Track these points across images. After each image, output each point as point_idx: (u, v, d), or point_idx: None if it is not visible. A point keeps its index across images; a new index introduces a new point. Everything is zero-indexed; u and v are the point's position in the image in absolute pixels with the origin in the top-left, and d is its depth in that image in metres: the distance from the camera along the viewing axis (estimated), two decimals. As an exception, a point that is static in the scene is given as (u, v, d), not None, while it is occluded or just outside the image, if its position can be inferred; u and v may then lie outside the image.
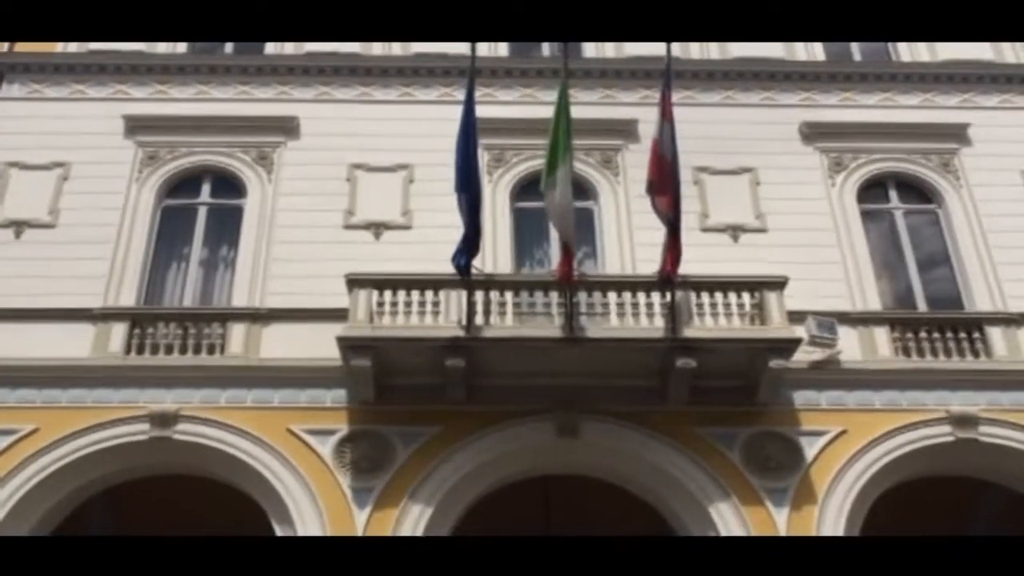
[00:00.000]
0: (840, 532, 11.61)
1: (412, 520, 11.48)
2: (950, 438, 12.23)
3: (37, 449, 11.67)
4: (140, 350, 12.44)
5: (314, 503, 11.51)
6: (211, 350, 12.47)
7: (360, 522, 11.44)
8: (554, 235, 12.92)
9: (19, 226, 13.35)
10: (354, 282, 11.99)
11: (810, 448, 12.02)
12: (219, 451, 11.75)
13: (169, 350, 12.45)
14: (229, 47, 15.33)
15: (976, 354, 12.83)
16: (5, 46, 14.91)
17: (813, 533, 11.56)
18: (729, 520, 11.65)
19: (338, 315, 11.96)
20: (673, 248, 11.72)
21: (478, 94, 12.15)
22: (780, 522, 11.65)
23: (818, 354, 12.50)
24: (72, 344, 12.33)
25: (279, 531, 11.60)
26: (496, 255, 13.27)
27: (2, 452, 11.65)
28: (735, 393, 12.16)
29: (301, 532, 11.40)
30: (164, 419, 11.79)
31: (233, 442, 11.74)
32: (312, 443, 11.77)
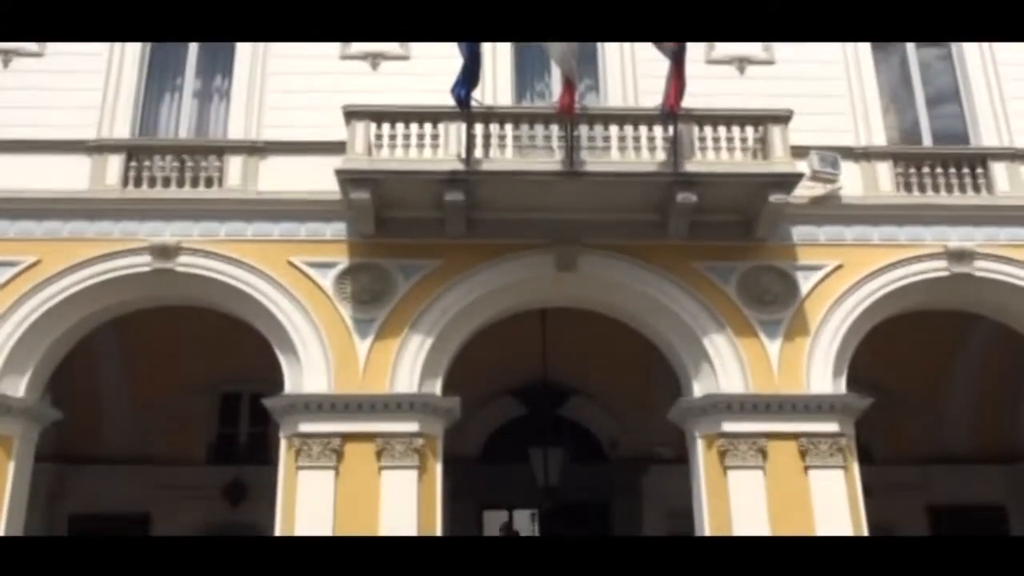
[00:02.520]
0: (830, 363, 11.90)
1: (413, 350, 11.70)
2: (945, 273, 12.33)
3: (41, 280, 11.73)
4: (137, 183, 12.36)
5: (317, 333, 11.69)
6: (209, 183, 12.40)
7: (362, 352, 11.67)
8: (555, 67, 12.66)
9: (6, 55, 13.06)
10: (351, 114, 11.82)
11: (806, 282, 12.14)
12: (221, 282, 11.84)
13: (167, 183, 12.38)
14: None
15: (978, 190, 12.80)
16: None
17: (803, 363, 11.84)
18: (723, 350, 11.90)
19: (336, 148, 11.85)
20: (677, 80, 11.49)
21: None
22: (772, 353, 11.90)
23: (819, 189, 12.46)
24: (69, 176, 12.22)
25: (283, 360, 11.83)
26: (496, 87, 13.03)
27: (6, 283, 11.72)
28: (734, 228, 12.20)
29: (305, 361, 11.63)
30: (165, 251, 11.83)
31: (234, 274, 11.81)
32: (313, 275, 11.85)
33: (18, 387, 11.61)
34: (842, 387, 11.99)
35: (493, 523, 17.41)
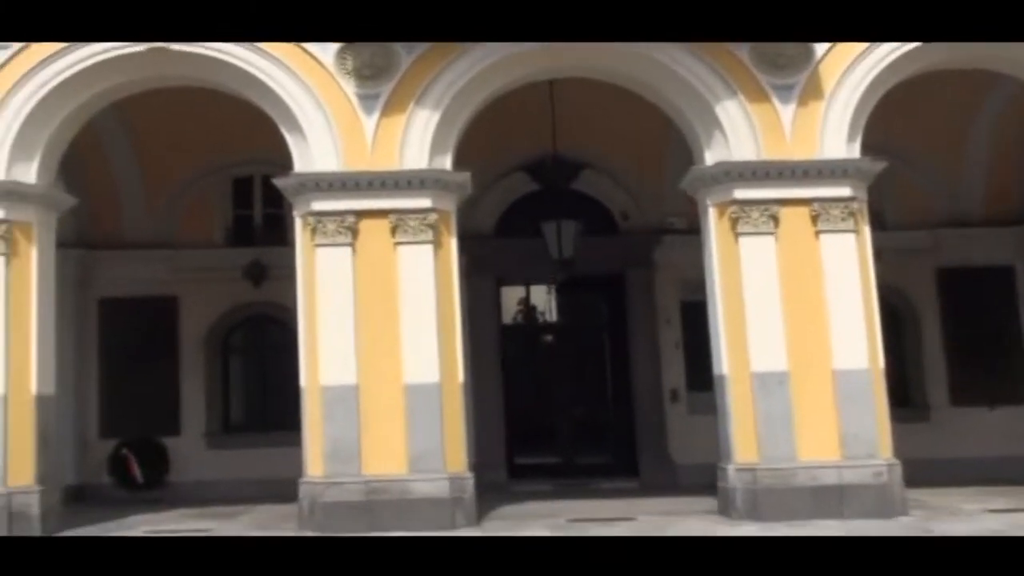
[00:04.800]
0: (844, 127, 11.75)
1: (420, 126, 11.59)
2: (965, 29, 11.94)
3: (35, 63, 11.50)
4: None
5: (321, 110, 11.55)
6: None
7: (369, 128, 11.58)
8: None
9: None
10: None
11: (821, 44, 11.80)
12: (218, 60, 11.54)
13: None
14: None
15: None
16: None
17: (817, 128, 11.71)
18: (735, 117, 11.73)
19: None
20: None
21: None
22: (786, 118, 11.74)
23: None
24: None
25: (290, 139, 11.76)
26: None
27: (3, 65, 11.47)
28: (747, -12, 11.78)
29: (312, 139, 11.57)
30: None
31: (231, 51, 11.48)
32: (313, 51, 11.57)
33: (29, 173, 11.67)
34: (856, 151, 11.86)
35: (510, 298, 17.77)
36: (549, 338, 18.00)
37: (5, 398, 11.31)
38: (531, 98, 13.14)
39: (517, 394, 16.56)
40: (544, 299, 18.31)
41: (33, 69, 11.51)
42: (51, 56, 11.50)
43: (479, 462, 12.91)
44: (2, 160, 11.47)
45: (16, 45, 11.44)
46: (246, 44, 11.44)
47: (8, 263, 11.48)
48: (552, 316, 17.97)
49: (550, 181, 15.50)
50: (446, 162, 11.80)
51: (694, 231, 12.75)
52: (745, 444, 11.50)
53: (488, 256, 15.71)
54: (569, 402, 16.92)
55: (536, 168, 15.73)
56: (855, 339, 11.55)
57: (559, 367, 17.08)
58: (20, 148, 11.57)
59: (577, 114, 14.30)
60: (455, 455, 11.44)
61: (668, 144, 14.68)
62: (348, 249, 11.49)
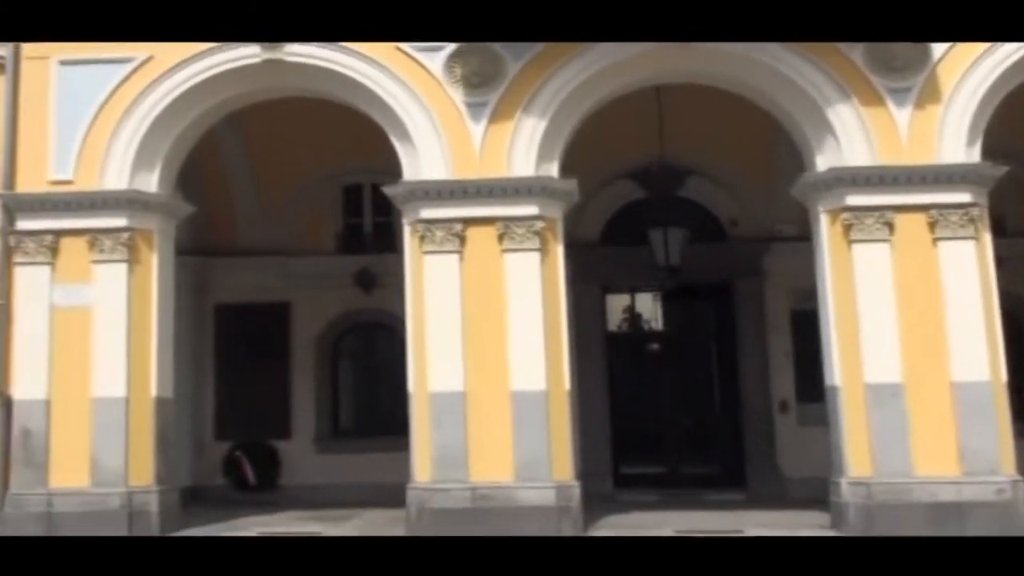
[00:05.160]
0: (963, 130, 11.39)
1: (527, 133, 11.64)
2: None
3: (156, 76, 11.94)
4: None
5: (430, 119, 11.69)
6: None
7: (477, 136, 11.68)
8: None
9: None
10: None
11: (939, 45, 11.42)
12: (330, 71, 11.82)
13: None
14: None
15: None
16: None
17: (935, 132, 11.37)
18: (848, 121, 11.48)
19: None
20: None
21: None
22: (901, 122, 11.42)
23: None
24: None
25: (399, 148, 11.93)
26: None
27: (123, 80, 11.95)
28: (861, -11, 11.49)
29: (421, 148, 11.72)
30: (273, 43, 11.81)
31: (343, 61, 11.74)
32: (422, 60, 11.73)
33: (150, 182, 12.11)
34: (976, 156, 11.48)
35: (615, 306, 17.67)
36: (655, 346, 17.82)
37: (126, 400, 11.72)
38: (638, 104, 13.04)
39: (623, 403, 16.45)
40: (650, 307, 18.14)
41: (153, 83, 11.95)
42: (170, 70, 11.92)
43: (585, 471, 12.88)
44: (125, 170, 11.92)
45: (139, 58, 11.92)
46: (358, 55, 11.69)
47: (130, 270, 11.91)
48: (658, 324, 17.78)
49: (656, 188, 15.38)
50: (553, 169, 11.81)
51: (804, 238, 12.50)
52: (858, 457, 11.21)
53: (593, 263, 15.67)
54: (675, 411, 16.72)
55: (642, 175, 15.62)
56: (975, 350, 11.16)
57: (665, 376, 16.91)
58: (142, 158, 12.00)
59: (684, 120, 14.15)
60: (562, 463, 11.42)
61: (777, 150, 14.45)
62: (456, 256, 11.59)
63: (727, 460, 16.30)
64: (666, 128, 13.90)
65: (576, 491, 11.44)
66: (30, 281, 11.88)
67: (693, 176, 15.86)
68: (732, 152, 15.40)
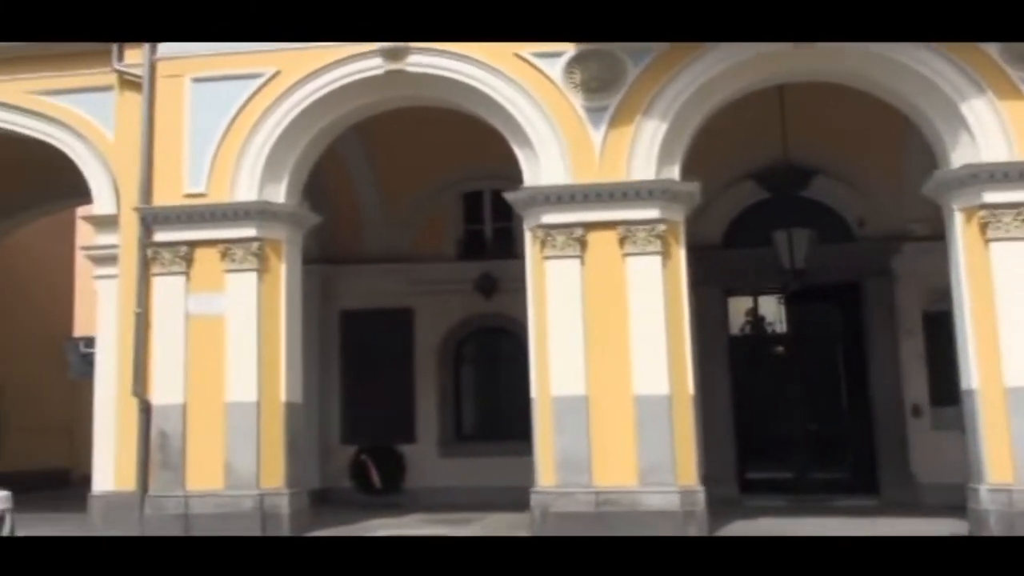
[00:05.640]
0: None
1: (648, 137, 11.57)
2: None
3: (283, 90, 12.27)
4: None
5: (549, 124, 11.72)
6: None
7: (596, 141, 11.65)
8: None
9: None
10: None
11: (1081, 33, 10.91)
12: (451, 80, 11.98)
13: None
14: None
15: None
16: None
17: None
18: (984, 116, 11.06)
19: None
20: None
21: None
22: (1040, 122, 10.96)
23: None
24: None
25: (520, 154, 11.99)
26: None
27: (253, 95, 12.30)
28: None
29: (541, 153, 11.76)
30: (395, 53, 11.98)
31: (464, 70, 11.89)
32: (541, 66, 11.78)
33: (279, 194, 12.46)
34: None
35: (737, 309, 17.40)
36: (780, 349, 17.48)
37: (258, 405, 12.06)
38: (760, 103, 12.82)
39: (746, 407, 16.17)
40: (773, 310, 17.79)
41: (280, 97, 12.29)
42: (296, 83, 12.25)
43: (709, 476, 12.71)
44: (254, 181, 12.30)
45: (267, 73, 12.29)
46: (478, 63, 11.85)
47: (260, 278, 12.26)
48: (782, 327, 17.43)
49: (781, 189, 15.07)
50: (674, 172, 11.70)
51: (937, 237, 12.10)
52: (998, 463, 10.76)
53: (716, 266, 15.45)
54: (802, 416, 16.37)
55: (766, 176, 15.32)
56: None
57: (790, 379, 16.55)
58: (270, 170, 12.36)
59: (808, 118, 13.85)
60: (686, 468, 11.30)
61: (907, 147, 14.02)
62: (577, 261, 11.59)
63: (857, 465, 15.87)
64: (790, 127, 13.65)
65: (701, 496, 11.30)
66: (167, 290, 12.34)
67: (819, 176, 15.48)
68: (859, 150, 15.02)
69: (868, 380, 15.75)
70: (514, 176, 12.12)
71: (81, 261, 20.00)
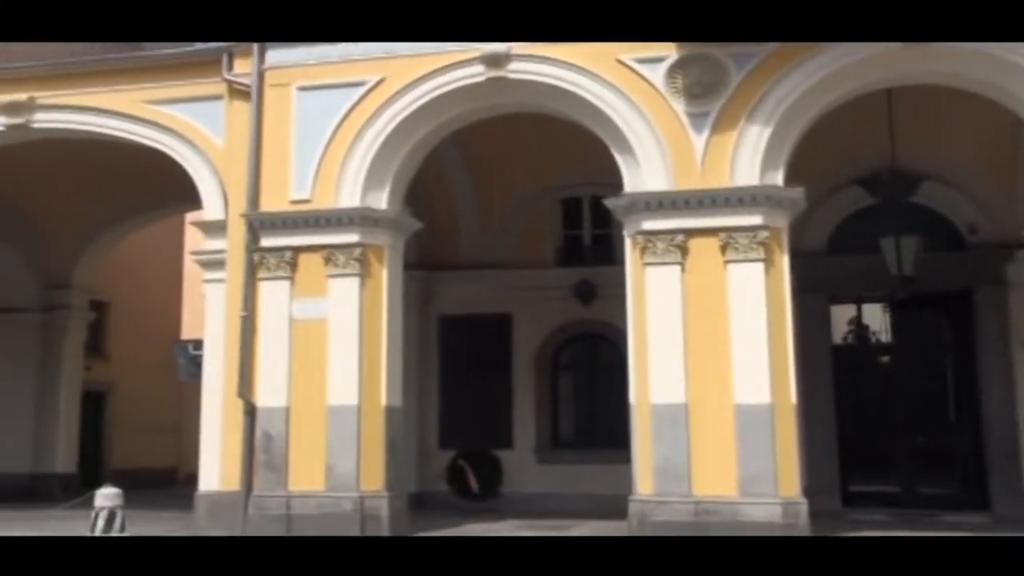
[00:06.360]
0: None
1: (751, 142, 11.42)
2: None
3: (387, 97, 12.44)
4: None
5: (651, 130, 11.65)
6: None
7: (699, 147, 11.53)
8: None
9: None
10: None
11: None
12: (553, 86, 12.00)
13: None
14: None
15: None
16: None
17: None
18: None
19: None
20: None
21: None
22: None
23: None
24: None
25: (620, 160, 11.93)
26: None
27: (357, 102, 12.50)
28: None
29: (642, 159, 11.68)
30: (496, 60, 12.06)
31: (565, 76, 11.90)
32: (643, 72, 11.71)
33: (381, 200, 12.63)
34: None
35: (840, 317, 17.02)
36: (885, 359, 17.03)
37: (359, 408, 12.23)
38: (867, 107, 12.54)
39: (850, 418, 15.80)
40: (878, 318, 17.35)
41: (383, 104, 12.48)
42: (399, 91, 12.42)
43: (811, 488, 12.46)
44: (357, 188, 12.49)
45: (371, 81, 12.49)
46: (579, 69, 11.86)
47: (362, 283, 12.45)
48: (887, 336, 16.99)
49: (888, 194, 14.73)
50: (778, 178, 11.51)
51: (1055, 245, 11.67)
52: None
53: (819, 273, 15.16)
54: (907, 428, 15.92)
55: (872, 181, 15.01)
56: None
57: (896, 390, 16.13)
58: (373, 177, 12.54)
59: (917, 122, 13.50)
60: (788, 479, 11.09)
61: (1021, 151, 13.53)
62: (677, 268, 11.48)
63: (968, 480, 15.38)
64: (898, 131, 13.30)
65: (803, 508, 11.07)
66: (272, 295, 12.61)
67: (927, 181, 15.08)
68: (971, 155, 14.59)
69: (978, 392, 15.26)
70: (613, 182, 12.07)
71: (190, 265, 20.57)
